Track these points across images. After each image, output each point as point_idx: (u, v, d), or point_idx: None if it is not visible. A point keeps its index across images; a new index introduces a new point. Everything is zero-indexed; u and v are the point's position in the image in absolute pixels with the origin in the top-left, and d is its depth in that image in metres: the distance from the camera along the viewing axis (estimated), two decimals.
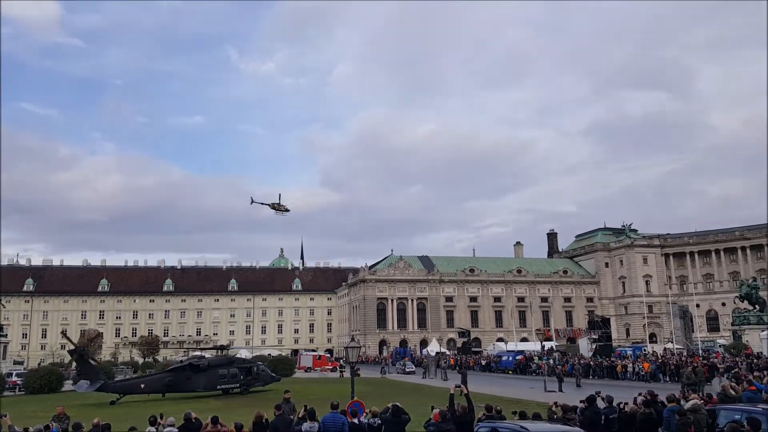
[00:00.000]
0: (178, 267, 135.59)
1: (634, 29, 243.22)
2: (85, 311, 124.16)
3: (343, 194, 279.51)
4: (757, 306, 66.00)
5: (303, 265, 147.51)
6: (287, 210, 53.16)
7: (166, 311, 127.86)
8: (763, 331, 55.13)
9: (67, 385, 49.19)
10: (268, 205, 52.59)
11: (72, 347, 42.20)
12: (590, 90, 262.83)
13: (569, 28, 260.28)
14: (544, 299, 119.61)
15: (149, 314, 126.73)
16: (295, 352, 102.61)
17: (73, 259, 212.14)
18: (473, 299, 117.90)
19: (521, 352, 71.27)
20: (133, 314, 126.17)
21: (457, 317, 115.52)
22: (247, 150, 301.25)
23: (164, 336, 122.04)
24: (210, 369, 40.71)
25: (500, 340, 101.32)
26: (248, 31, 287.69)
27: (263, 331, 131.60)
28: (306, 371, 72.01)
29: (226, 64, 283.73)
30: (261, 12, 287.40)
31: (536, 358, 61.92)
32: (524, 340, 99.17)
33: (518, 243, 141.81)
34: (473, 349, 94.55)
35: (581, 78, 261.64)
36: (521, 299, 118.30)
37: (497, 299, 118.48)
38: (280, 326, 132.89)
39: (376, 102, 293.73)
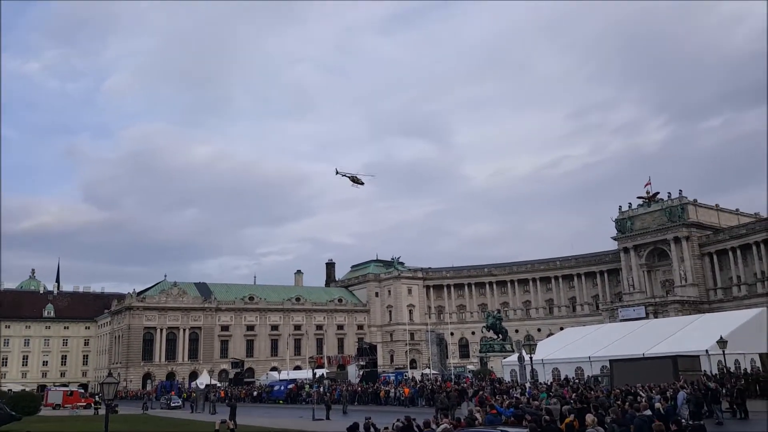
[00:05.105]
0: None
1: (408, 82, 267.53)
2: None
3: (109, 212, 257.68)
4: (500, 335, 74.32)
5: (58, 288, 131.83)
6: (362, 183, 57.27)
7: None
8: (505, 358, 61.53)
9: None
10: (349, 177, 55.90)
11: None
12: (367, 132, 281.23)
13: (354, 72, 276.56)
14: (320, 327, 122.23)
15: None
16: (43, 387, 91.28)
17: None
18: (250, 328, 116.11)
19: (293, 380, 71.83)
20: None
21: (233, 347, 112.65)
22: None
23: None
24: None
25: (274, 369, 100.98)
26: (8, 25, 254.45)
27: (4, 364, 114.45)
28: (54, 408, 64.58)
29: None
30: (26, 6, 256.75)
31: (307, 386, 63.00)
32: (298, 368, 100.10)
33: (299, 272, 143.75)
34: (246, 380, 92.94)
35: (360, 120, 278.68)
36: (298, 327, 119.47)
37: (275, 327, 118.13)
38: (25, 358, 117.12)
39: (154, 117, 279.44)
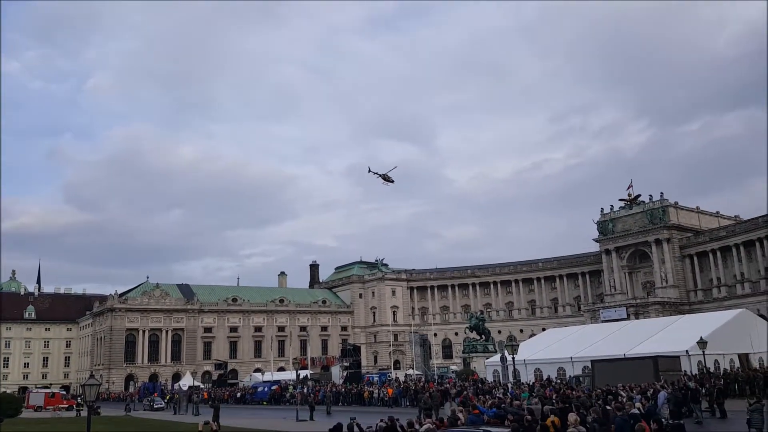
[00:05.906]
0: None
1: (391, 85, 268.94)
2: None
3: (91, 213, 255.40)
4: (483, 336, 74.61)
5: (39, 290, 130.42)
6: (393, 181, 58.28)
7: None
8: (487, 358, 61.85)
9: None
10: (380, 175, 56.95)
11: None
12: (351, 134, 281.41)
13: (337, 73, 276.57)
14: (303, 328, 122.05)
15: None
16: (24, 389, 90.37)
17: None
18: (234, 329, 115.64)
19: (277, 382, 71.80)
20: None
21: (216, 348, 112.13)
22: None
23: None
24: None
25: (258, 370, 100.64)
26: None
27: None
28: (36, 410, 64.02)
29: None
30: (7, 5, 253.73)
31: (291, 387, 62.97)
32: (281, 369, 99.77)
33: (282, 273, 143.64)
34: (229, 381, 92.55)
35: (344, 122, 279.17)
36: (281, 329, 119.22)
37: (258, 329, 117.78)
38: (6, 360, 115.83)
39: (138, 117, 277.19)
